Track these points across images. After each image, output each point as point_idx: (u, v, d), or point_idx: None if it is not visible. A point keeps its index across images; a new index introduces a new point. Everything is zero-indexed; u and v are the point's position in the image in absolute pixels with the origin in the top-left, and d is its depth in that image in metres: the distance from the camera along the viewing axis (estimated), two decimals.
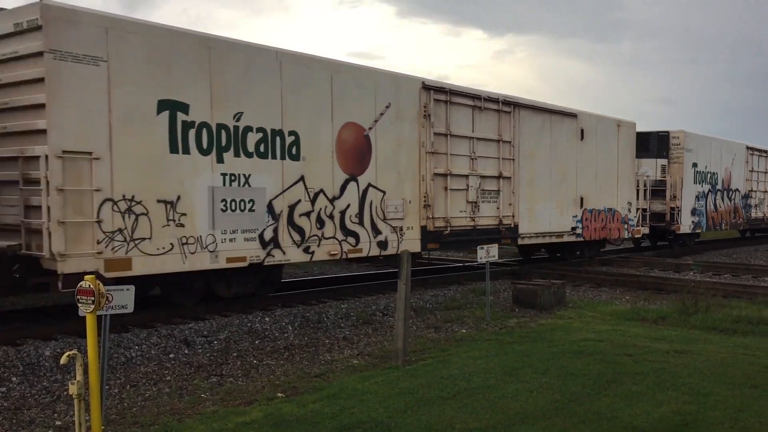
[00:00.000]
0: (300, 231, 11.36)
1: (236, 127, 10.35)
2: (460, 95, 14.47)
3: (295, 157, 11.25)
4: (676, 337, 9.94)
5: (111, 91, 8.89)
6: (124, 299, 5.98)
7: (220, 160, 10.14)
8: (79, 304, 5.44)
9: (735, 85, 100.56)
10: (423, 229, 13.63)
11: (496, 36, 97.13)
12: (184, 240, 9.72)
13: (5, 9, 9.35)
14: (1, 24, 8.99)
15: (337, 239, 11.96)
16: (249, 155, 10.55)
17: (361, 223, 12.37)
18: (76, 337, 9.16)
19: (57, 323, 9.87)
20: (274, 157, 10.91)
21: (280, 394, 7.21)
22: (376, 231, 12.66)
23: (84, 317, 5.47)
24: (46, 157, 8.37)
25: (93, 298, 5.35)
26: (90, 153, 8.72)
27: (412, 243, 13.36)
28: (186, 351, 9.13)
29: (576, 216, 18.03)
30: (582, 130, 18.10)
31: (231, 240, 10.33)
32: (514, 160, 15.83)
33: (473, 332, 10.57)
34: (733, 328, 10.61)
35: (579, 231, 18.16)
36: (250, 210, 10.59)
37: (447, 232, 14.15)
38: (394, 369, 8.12)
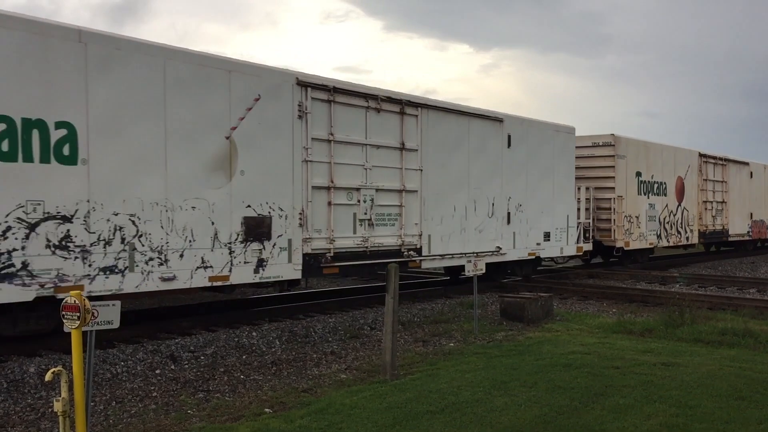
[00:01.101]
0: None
1: None
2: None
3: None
4: (663, 350, 9.98)
5: None
6: (110, 315, 5.93)
7: None
8: (65, 320, 5.39)
9: (720, 99, 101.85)
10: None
11: (482, 50, 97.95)
12: None
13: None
14: None
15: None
16: None
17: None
18: (61, 353, 9.07)
19: (42, 339, 9.76)
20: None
21: (267, 410, 7.16)
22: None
23: (69, 333, 5.42)
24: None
25: (78, 314, 5.31)
26: None
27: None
28: (172, 366, 9.06)
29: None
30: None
31: None
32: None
33: (461, 346, 10.56)
34: (719, 340, 10.67)
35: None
36: None
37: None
38: (383, 383, 8.10)
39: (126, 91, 9.23)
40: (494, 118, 15.60)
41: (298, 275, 11.46)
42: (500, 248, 15.80)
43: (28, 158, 8.31)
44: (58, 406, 5.24)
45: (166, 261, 9.66)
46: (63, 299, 5.39)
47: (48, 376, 5.25)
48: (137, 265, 9.33)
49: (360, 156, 12.57)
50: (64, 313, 5.39)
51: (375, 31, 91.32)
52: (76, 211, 8.75)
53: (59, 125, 8.57)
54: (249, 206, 10.69)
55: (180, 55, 9.87)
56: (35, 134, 8.37)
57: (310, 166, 11.63)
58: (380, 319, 12.08)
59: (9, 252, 8.17)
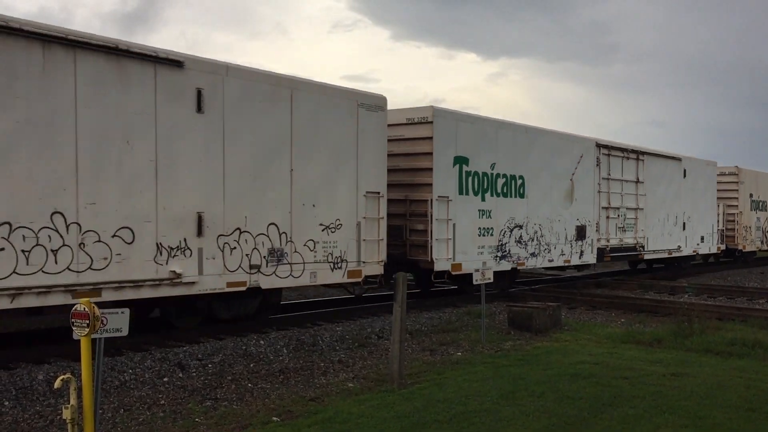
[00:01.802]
0: None
1: None
2: None
3: None
4: (672, 360, 9.92)
5: None
6: (119, 322, 5.95)
7: None
8: (74, 327, 5.42)
9: (727, 108, 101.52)
10: None
11: (490, 59, 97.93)
12: None
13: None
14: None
15: None
16: None
17: None
18: (69, 361, 9.09)
19: (50, 346, 9.79)
20: None
21: (275, 419, 7.15)
22: None
23: (78, 340, 5.44)
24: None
25: (88, 321, 5.34)
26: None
27: None
28: (180, 374, 9.07)
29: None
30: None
31: None
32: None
33: (469, 355, 10.53)
34: (729, 351, 10.60)
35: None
36: None
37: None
38: (390, 392, 8.08)
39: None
40: (677, 158, 23.07)
41: (594, 261, 19.19)
42: (680, 247, 23.13)
43: (513, 195, 16.39)
44: (66, 414, 5.26)
45: (550, 251, 17.54)
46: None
47: (57, 384, 5.27)
48: (541, 253, 17.26)
49: (619, 187, 20.11)
50: (73, 320, 5.41)
51: (383, 40, 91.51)
52: (525, 223, 16.71)
53: (519, 178, 16.57)
54: (578, 219, 18.41)
55: (552, 136, 17.88)
56: (516, 182, 16.39)
57: (600, 195, 19.29)
58: (388, 328, 12.06)
59: (505, 244, 16.11)
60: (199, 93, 10.33)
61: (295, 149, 11.69)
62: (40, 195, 8.67)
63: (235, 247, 10.84)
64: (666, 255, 22.40)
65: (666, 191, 22.12)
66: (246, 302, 11.73)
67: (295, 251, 11.72)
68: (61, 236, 8.86)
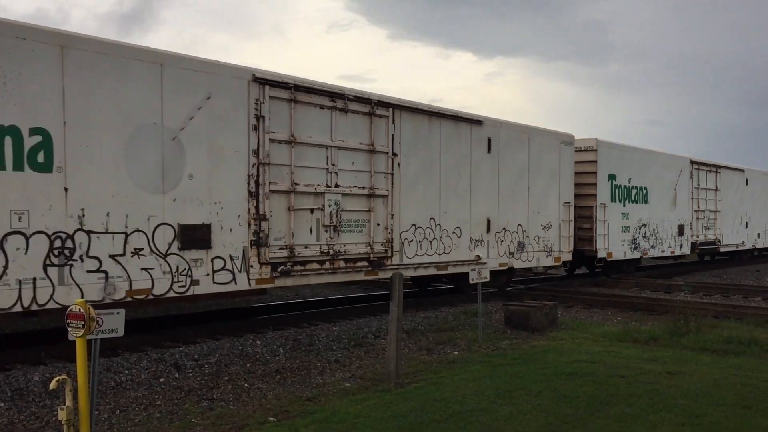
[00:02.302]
0: None
1: None
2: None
3: None
4: (669, 358, 9.94)
5: None
6: (115, 323, 5.93)
7: None
8: (69, 329, 5.40)
9: (723, 107, 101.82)
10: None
11: (486, 59, 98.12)
12: None
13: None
14: None
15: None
16: None
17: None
18: (65, 362, 9.07)
19: (46, 347, 9.77)
20: None
21: (271, 419, 7.14)
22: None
23: (73, 341, 5.42)
24: None
25: (83, 322, 5.32)
26: None
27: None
28: (176, 375, 9.05)
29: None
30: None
31: None
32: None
33: (466, 354, 10.54)
34: (725, 349, 10.62)
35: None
36: None
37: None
38: (387, 392, 8.08)
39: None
40: (741, 169, 27.90)
41: (689, 252, 23.84)
42: (744, 242, 28.51)
43: (641, 202, 21.05)
44: (62, 415, 5.24)
45: (662, 244, 22.01)
46: None
47: (52, 385, 5.25)
48: (657, 245, 21.69)
49: (705, 194, 25.32)
50: (68, 321, 5.39)
51: (379, 40, 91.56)
52: (648, 223, 21.52)
53: (644, 189, 21.41)
54: (678, 220, 23.55)
55: (664, 156, 22.55)
56: (642, 191, 20.80)
57: (692, 201, 24.48)
58: (384, 328, 12.06)
59: (636, 239, 20.46)
60: (489, 140, 15.71)
61: (530, 174, 17.00)
62: (426, 207, 14.06)
63: (502, 240, 16.21)
64: (734, 248, 28.15)
65: (734, 197, 27.61)
66: (501, 277, 16.79)
67: (530, 243, 17.06)
68: (433, 232, 14.26)
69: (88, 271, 8.91)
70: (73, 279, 8.75)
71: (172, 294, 9.83)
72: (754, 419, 6.86)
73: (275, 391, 8.37)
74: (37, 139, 8.47)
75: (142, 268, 9.47)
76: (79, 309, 5.32)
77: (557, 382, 8.35)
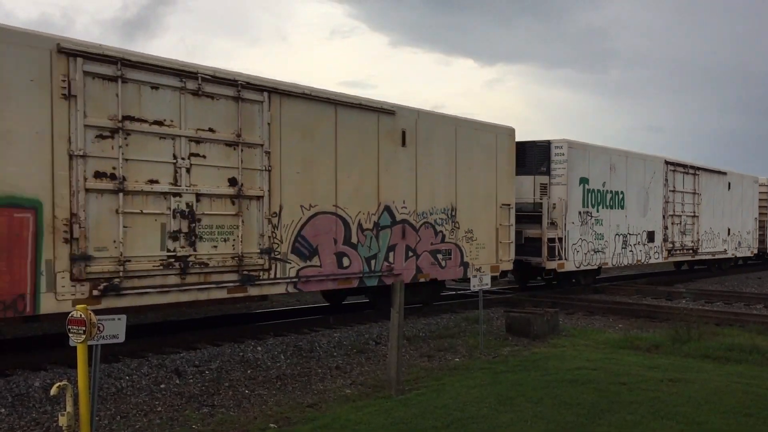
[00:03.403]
0: None
1: None
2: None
3: None
4: (670, 366, 9.92)
5: None
6: (116, 329, 5.93)
7: None
8: (70, 334, 5.40)
9: (722, 113, 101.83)
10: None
11: (487, 65, 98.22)
12: None
13: None
14: None
15: None
16: None
17: None
18: (66, 368, 9.06)
19: (47, 353, 9.76)
20: None
21: (272, 425, 7.13)
22: None
23: (74, 347, 5.42)
24: None
25: (84, 328, 5.32)
26: None
27: None
28: (177, 381, 9.04)
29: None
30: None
31: None
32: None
33: (467, 361, 10.52)
34: (727, 356, 10.59)
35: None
36: None
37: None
38: (388, 398, 8.06)
39: None
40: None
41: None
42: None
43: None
44: (63, 421, 5.23)
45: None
46: None
47: (53, 390, 5.25)
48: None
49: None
50: (69, 327, 5.39)
51: (380, 47, 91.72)
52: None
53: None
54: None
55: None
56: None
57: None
58: (385, 334, 12.04)
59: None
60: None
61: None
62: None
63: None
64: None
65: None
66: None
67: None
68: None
69: None
70: None
71: None
72: (756, 427, 6.83)
73: (276, 398, 8.36)
74: None
75: None
76: (80, 315, 5.32)
77: (558, 389, 8.33)
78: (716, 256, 26.45)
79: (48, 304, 8.52)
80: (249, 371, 9.72)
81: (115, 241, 9.14)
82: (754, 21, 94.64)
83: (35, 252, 8.43)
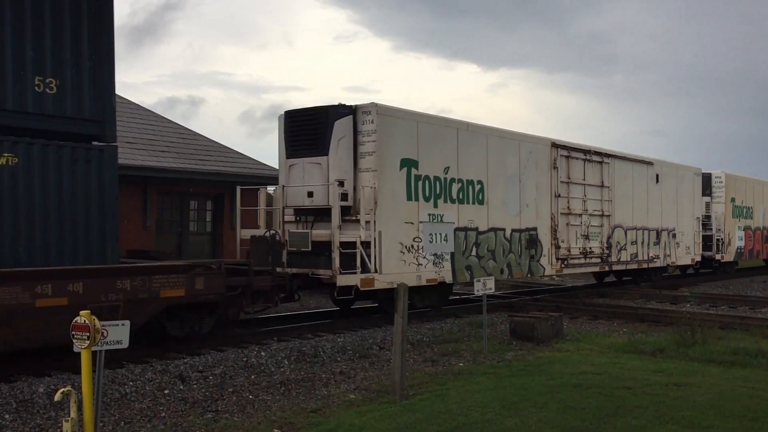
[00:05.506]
0: None
1: None
2: None
3: None
4: (675, 370, 9.89)
5: None
6: (119, 335, 5.94)
7: None
8: (74, 340, 5.41)
9: (727, 117, 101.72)
10: None
11: (490, 70, 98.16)
12: None
13: None
14: None
15: None
16: None
17: None
18: (70, 374, 9.07)
19: (51, 359, 9.77)
20: None
21: (276, 430, 7.13)
22: None
23: (78, 353, 5.43)
24: None
25: (88, 334, 5.33)
26: None
27: None
28: (181, 386, 9.04)
29: None
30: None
31: None
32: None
33: (471, 366, 10.50)
34: (732, 360, 10.56)
35: None
36: None
37: None
38: (392, 403, 8.05)
39: None
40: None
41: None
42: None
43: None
44: (67, 427, 5.24)
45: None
46: None
47: (57, 396, 5.25)
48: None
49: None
50: (74, 333, 5.40)
51: (383, 52, 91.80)
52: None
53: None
54: None
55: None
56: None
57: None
58: (389, 339, 12.03)
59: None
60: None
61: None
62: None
63: None
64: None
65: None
66: None
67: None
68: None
69: None
70: None
71: None
72: (761, 431, 6.80)
73: (280, 403, 8.35)
74: None
75: None
76: (84, 321, 5.33)
77: (563, 393, 8.31)
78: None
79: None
80: (253, 376, 9.72)
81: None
82: (759, 25, 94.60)
83: None
